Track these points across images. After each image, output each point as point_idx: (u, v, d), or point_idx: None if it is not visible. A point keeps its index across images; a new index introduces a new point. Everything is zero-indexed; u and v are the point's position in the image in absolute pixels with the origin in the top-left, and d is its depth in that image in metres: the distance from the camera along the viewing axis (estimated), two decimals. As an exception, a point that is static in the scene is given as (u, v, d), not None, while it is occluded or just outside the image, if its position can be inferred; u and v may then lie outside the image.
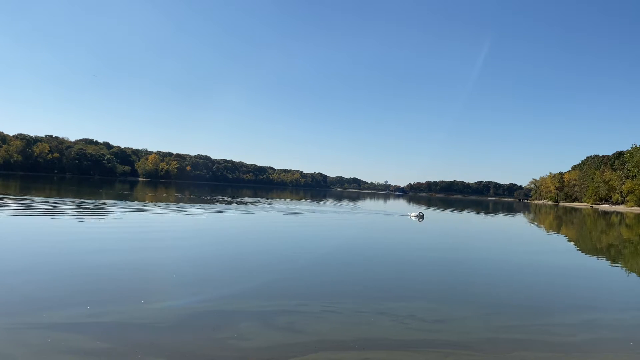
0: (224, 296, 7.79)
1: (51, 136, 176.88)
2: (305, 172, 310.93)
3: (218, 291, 8.16)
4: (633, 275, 13.78)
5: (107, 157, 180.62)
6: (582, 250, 20.72)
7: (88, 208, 24.90)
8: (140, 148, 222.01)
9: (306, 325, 6.49)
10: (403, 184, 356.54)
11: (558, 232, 31.17)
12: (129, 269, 9.56)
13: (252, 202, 44.27)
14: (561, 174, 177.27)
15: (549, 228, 35.67)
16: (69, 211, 22.03)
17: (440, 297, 8.85)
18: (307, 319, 6.77)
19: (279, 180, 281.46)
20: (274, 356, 5.39)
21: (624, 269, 15.12)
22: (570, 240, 25.79)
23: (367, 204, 62.10)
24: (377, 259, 13.46)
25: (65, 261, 10.04)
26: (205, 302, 7.38)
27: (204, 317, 6.60)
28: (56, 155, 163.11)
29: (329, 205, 51.57)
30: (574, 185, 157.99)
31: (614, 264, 15.84)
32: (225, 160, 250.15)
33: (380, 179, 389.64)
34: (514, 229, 34.41)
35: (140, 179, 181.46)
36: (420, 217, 34.42)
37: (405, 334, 6.39)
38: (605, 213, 77.52)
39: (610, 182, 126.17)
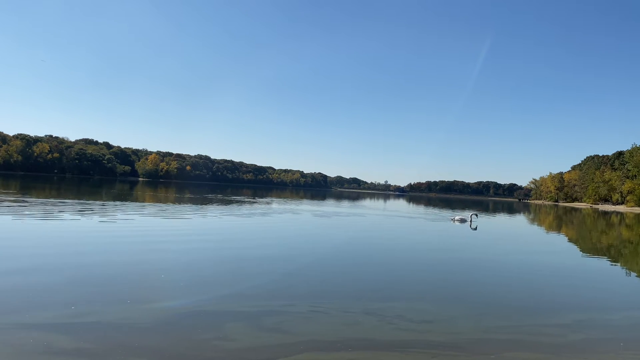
0: (211, 297, 7.72)
1: (51, 136, 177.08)
2: (305, 172, 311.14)
3: (206, 292, 8.09)
4: (628, 275, 13.72)
5: (107, 157, 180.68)
6: (579, 250, 20.66)
7: (85, 208, 24.86)
8: (140, 148, 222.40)
9: (293, 326, 6.44)
10: (403, 184, 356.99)
11: (557, 232, 31.09)
12: (117, 269, 9.49)
13: (252, 202, 44.21)
14: (561, 174, 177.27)
15: (548, 228, 35.58)
16: (65, 212, 21.98)
17: (431, 297, 8.78)
18: (294, 320, 6.71)
19: (279, 180, 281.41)
20: (259, 357, 5.34)
21: (620, 269, 15.07)
22: (568, 240, 25.72)
23: (372, 204, 62.04)
24: (370, 260, 13.40)
25: (53, 261, 9.97)
26: (192, 302, 7.31)
27: (190, 318, 6.54)
28: (56, 155, 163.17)
29: (330, 205, 51.53)
30: (574, 185, 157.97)
31: (610, 264, 15.77)
32: (225, 160, 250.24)
33: (380, 179, 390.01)
34: (512, 229, 34.30)
35: (140, 178, 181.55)
36: (469, 221, 28.86)
37: (392, 335, 6.33)
38: (605, 213, 77.43)
39: (610, 182, 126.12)
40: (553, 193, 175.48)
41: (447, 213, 46.60)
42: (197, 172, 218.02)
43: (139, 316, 6.47)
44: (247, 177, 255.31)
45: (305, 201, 58.76)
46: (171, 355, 5.25)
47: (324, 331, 6.31)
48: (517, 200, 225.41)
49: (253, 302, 7.48)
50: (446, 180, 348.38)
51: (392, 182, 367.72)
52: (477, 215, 30.96)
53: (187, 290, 8.19)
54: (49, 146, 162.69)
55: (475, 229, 25.99)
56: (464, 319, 7.29)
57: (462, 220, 30.11)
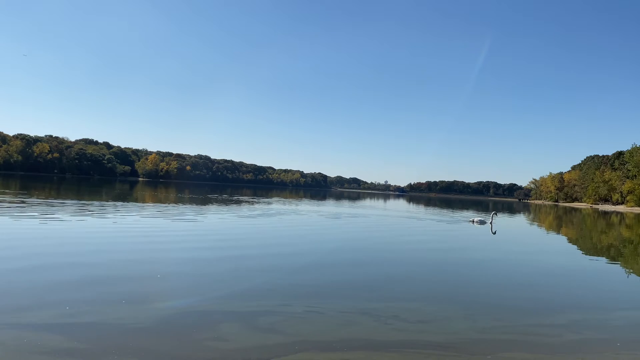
0: (207, 297, 7.70)
1: (51, 136, 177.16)
2: (305, 172, 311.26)
3: (202, 292, 8.08)
4: (625, 275, 13.68)
5: (107, 157, 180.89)
6: (577, 250, 20.62)
7: (84, 208, 24.84)
8: (140, 148, 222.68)
9: (287, 326, 6.42)
10: (403, 184, 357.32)
11: (556, 232, 31.04)
12: (112, 269, 9.46)
13: (252, 202, 44.19)
14: (561, 174, 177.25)
15: (548, 228, 35.54)
16: (63, 211, 21.97)
17: (427, 298, 8.75)
18: (289, 320, 6.69)
19: (279, 180, 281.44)
20: (254, 357, 5.32)
21: (618, 268, 15.02)
22: (567, 240, 25.68)
23: (372, 204, 61.99)
24: (366, 260, 13.37)
25: (49, 261, 9.95)
26: (188, 303, 7.30)
27: (184, 318, 6.52)
28: (56, 155, 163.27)
29: (330, 205, 51.49)
30: (574, 185, 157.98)
31: (608, 264, 15.73)
32: (225, 160, 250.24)
33: (380, 179, 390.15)
34: (511, 229, 34.22)
35: (140, 179, 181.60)
36: (488, 222, 26.88)
37: (388, 335, 6.31)
38: (605, 213, 77.40)
39: (610, 182, 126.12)
40: (553, 193, 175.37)
41: (448, 212, 46.57)
42: (197, 172, 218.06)
43: (133, 316, 6.45)
44: (247, 177, 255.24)
45: (305, 201, 58.73)
46: (166, 356, 5.22)
47: (320, 331, 6.29)
48: (517, 200, 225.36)
49: (249, 302, 7.46)
50: (446, 180, 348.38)
51: (392, 182, 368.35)
52: (496, 214, 29.33)
53: (183, 290, 8.17)
54: (49, 146, 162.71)
55: (495, 233, 24.18)
56: (461, 319, 7.27)
57: (481, 222, 29.07)
